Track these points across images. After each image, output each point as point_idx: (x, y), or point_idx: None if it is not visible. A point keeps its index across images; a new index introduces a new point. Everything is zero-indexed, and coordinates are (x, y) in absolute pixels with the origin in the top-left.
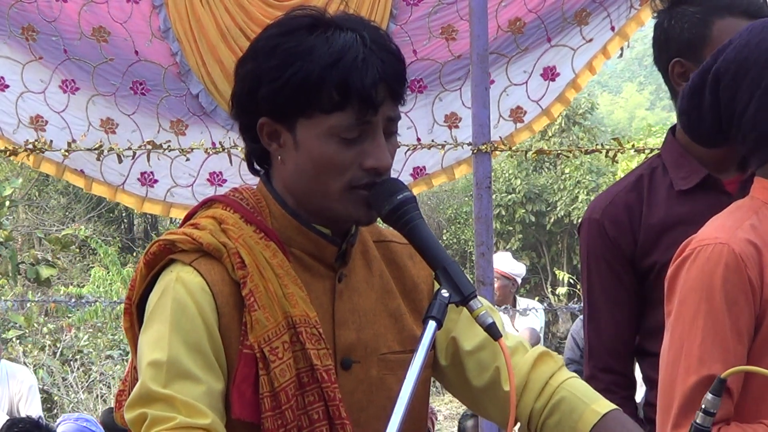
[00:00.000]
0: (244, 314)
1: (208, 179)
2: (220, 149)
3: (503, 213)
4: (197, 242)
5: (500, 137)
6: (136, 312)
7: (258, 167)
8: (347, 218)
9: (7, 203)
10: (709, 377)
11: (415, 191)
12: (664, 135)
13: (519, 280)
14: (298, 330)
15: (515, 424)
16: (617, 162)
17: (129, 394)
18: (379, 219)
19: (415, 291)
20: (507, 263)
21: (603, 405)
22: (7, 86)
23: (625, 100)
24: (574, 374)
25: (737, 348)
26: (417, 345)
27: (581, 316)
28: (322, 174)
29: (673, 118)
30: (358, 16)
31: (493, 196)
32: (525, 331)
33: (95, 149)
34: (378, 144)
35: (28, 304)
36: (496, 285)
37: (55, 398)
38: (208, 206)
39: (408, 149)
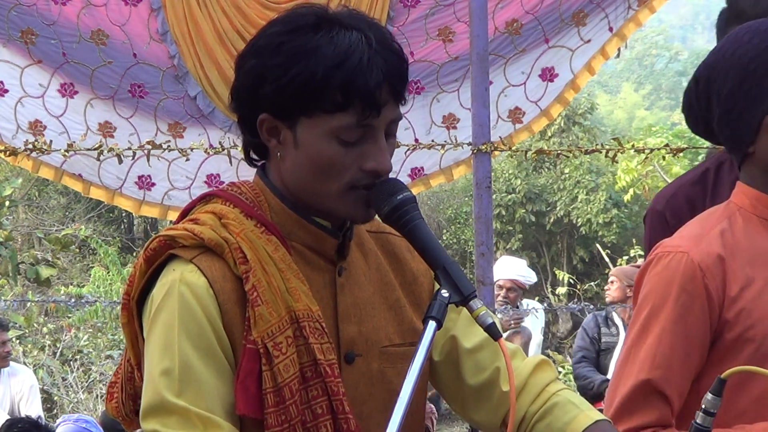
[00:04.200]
0: (248, 309)
1: (205, 181)
2: (220, 149)
3: (503, 213)
4: (198, 238)
5: (500, 137)
6: (135, 307)
7: (255, 159)
8: (345, 216)
9: (7, 203)
10: (645, 382)
11: (414, 192)
12: (664, 134)
13: None
14: (302, 324)
15: (508, 426)
16: (617, 162)
17: (122, 387)
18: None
19: (414, 284)
20: (522, 272)
21: (596, 414)
22: (6, 91)
23: (624, 100)
24: (568, 387)
25: (686, 357)
26: (417, 344)
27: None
28: (320, 174)
29: (672, 118)
30: (361, 14)
31: (493, 196)
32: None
33: (95, 149)
34: (379, 146)
35: (28, 304)
36: (512, 296)
37: (55, 398)
38: (206, 201)
39: (408, 149)
